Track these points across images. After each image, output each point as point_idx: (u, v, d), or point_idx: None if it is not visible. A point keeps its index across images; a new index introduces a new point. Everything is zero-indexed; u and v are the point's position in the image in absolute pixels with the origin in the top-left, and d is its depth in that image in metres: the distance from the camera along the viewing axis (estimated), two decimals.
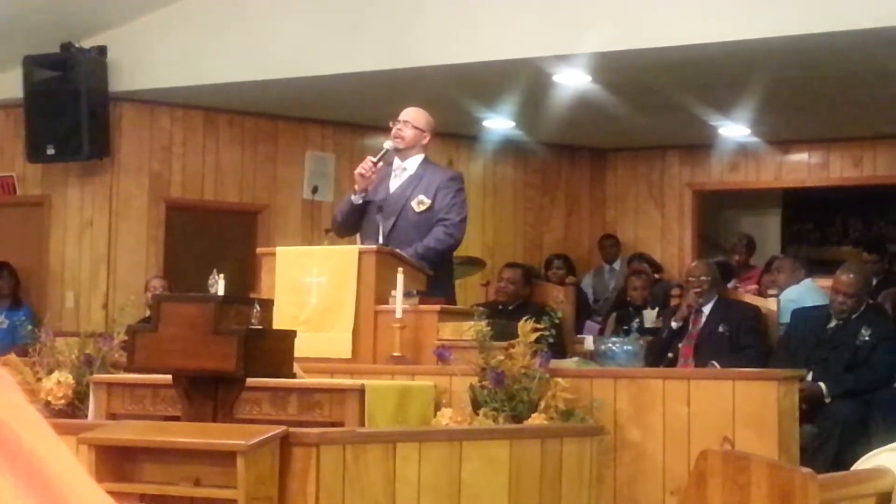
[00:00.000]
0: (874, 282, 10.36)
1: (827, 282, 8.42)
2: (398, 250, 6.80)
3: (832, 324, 7.75)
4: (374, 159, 7.13)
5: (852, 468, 4.13)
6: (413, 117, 7.23)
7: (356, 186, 7.17)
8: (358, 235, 7.20)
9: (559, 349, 7.21)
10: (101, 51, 10.91)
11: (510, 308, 8.42)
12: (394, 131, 7.20)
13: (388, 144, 7.19)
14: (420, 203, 7.11)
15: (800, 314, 8.03)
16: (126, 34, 10.86)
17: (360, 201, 7.15)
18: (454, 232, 7.09)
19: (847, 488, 3.69)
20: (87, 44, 10.90)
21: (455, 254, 7.53)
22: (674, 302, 9.50)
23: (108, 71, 10.94)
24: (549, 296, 7.64)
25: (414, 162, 7.23)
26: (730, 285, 9.84)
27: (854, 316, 7.70)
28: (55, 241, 11.54)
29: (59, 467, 0.86)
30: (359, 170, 7.15)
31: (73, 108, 10.84)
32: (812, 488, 3.52)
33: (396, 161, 7.22)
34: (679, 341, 7.97)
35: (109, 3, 10.77)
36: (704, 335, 7.92)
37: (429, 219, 7.10)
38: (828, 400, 7.33)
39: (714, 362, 7.55)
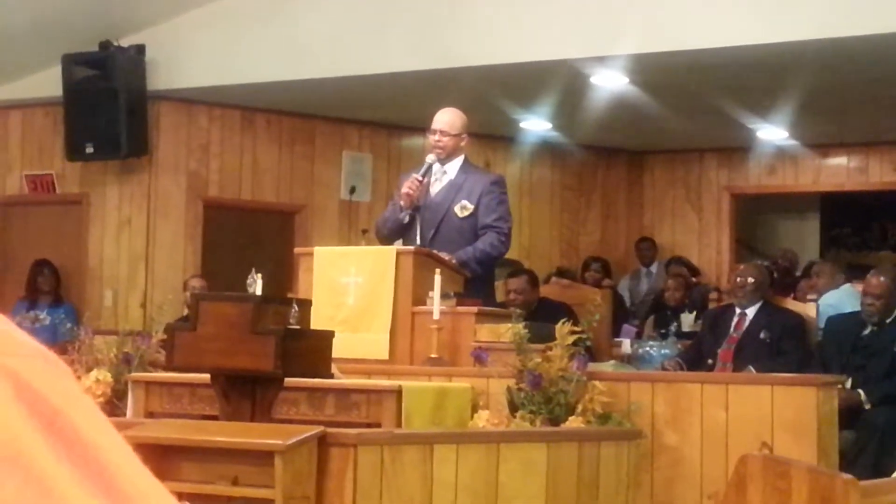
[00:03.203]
0: None
1: None
2: (444, 254, 6.80)
3: (867, 330, 7.70)
4: (420, 176, 7.12)
5: (893, 475, 4.10)
6: (449, 124, 7.19)
7: (402, 203, 7.13)
8: (400, 241, 7.19)
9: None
10: (140, 49, 10.96)
11: (525, 315, 8.36)
12: (433, 142, 7.18)
13: (430, 158, 7.18)
14: (463, 209, 7.11)
15: (835, 321, 7.98)
16: (164, 33, 10.90)
17: (408, 219, 7.14)
18: (506, 240, 7.14)
19: (889, 495, 3.67)
20: (125, 42, 10.95)
21: None
22: (711, 306, 9.46)
23: (147, 69, 10.99)
24: (586, 298, 7.61)
25: (454, 166, 7.22)
26: None
27: (889, 321, 7.65)
28: (94, 239, 11.59)
29: (115, 456, 0.86)
30: (405, 189, 7.12)
31: (111, 106, 10.89)
32: (854, 494, 3.50)
33: (436, 165, 7.21)
34: (718, 346, 7.92)
35: (148, 1, 10.81)
36: (746, 340, 7.88)
37: (472, 224, 7.10)
38: (867, 406, 7.28)
39: (751, 367, 7.51)
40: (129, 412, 6.16)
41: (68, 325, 6.96)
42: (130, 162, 11.27)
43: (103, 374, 6.40)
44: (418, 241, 7.00)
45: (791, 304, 8.33)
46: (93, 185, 11.62)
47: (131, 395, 6.20)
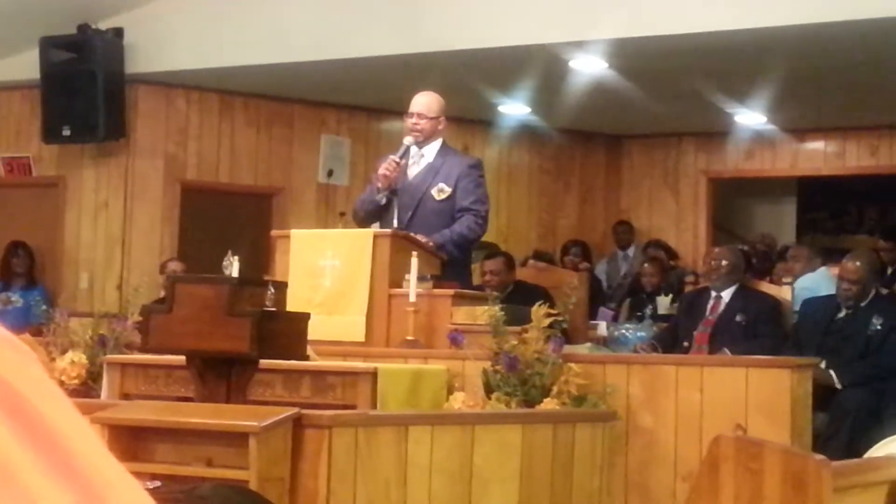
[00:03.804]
0: (889, 270, 10.34)
1: None
2: (421, 236, 6.81)
3: (842, 313, 7.73)
4: (397, 158, 7.12)
5: (865, 456, 4.13)
6: (426, 107, 7.19)
7: (379, 185, 7.13)
8: (377, 223, 7.19)
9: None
10: (118, 32, 10.92)
11: (500, 298, 8.37)
12: (410, 125, 7.18)
13: (407, 141, 7.18)
14: (440, 191, 7.11)
15: (810, 303, 8.01)
16: (142, 16, 10.87)
17: (385, 200, 7.14)
18: (483, 223, 7.14)
19: (860, 475, 3.69)
20: (103, 25, 10.91)
21: None
22: (687, 289, 9.48)
23: (125, 53, 10.96)
24: (563, 281, 7.62)
25: (432, 149, 7.22)
26: None
27: (864, 304, 7.68)
28: (70, 222, 11.57)
29: (79, 443, 0.86)
30: (382, 170, 7.12)
31: (89, 89, 10.86)
32: (825, 475, 3.52)
33: (413, 148, 7.21)
34: (694, 329, 7.95)
35: None
36: (722, 323, 7.90)
37: (449, 206, 7.10)
38: (838, 387, 7.32)
39: (726, 349, 7.54)
40: (104, 394, 6.16)
41: (43, 307, 6.94)
42: (108, 145, 11.24)
43: (78, 357, 6.39)
44: (395, 224, 7.01)
45: (767, 288, 8.36)
46: (70, 168, 11.58)
47: (106, 377, 6.19)
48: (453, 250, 6.97)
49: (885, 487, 3.55)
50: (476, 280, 8.18)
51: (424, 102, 7.22)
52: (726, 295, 8.00)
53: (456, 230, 7.03)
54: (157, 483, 4.31)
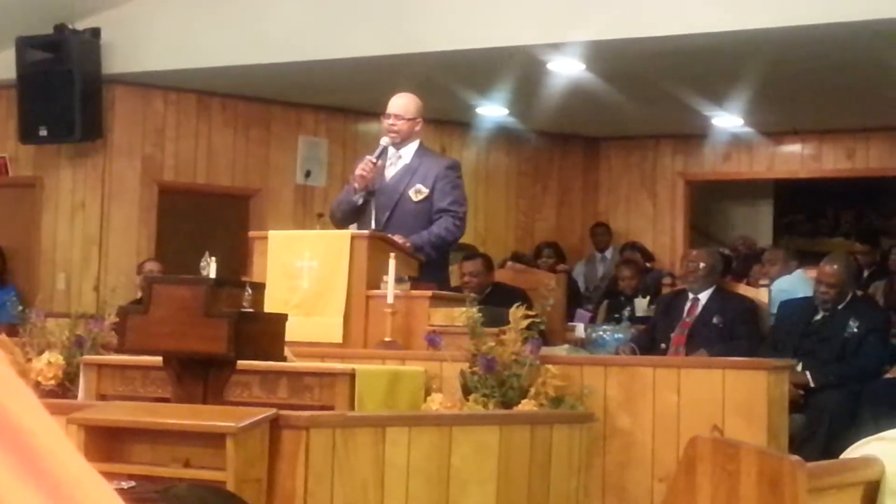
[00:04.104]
0: (865, 273, 10.39)
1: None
2: (398, 237, 6.80)
3: (819, 315, 7.76)
4: (374, 158, 7.11)
5: (840, 457, 4.14)
6: (403, 108, 7.20)
7: (356, 185, 7.13)
8: (355, 225, 7.19)
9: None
10: (95, 32, 10.89)
11: (479, 299, 8.37)
12: (387, 126, 7.18)
13: (384, 141, 7.18)
14: (417, 192, 7.11)
15: (787, 305, 8.05)
16: (120, 16, 10.84)
17: (361, 201, 7.13)
18: (461, 225, 7.14)
19: (835, 476, 3.70)
20: (80, 25, 10.88)
21: None
22: (665, 291, 9.50)
23: (102, 53, 10.93)
24: (541, 282, 7.63)
25: (409, 150, 7.22)
26: None
27: (841, 307, 7.72)
28: (47, 222, 11.53)
29: (47, 442, 0.85)
30: (358, 171, 7.12)
31: (65, 89, 10.82)
32: (800, 476, 3.53)
33: (391, 149, 7.21)
34: (672, 331, 7.97)
35: None
36: (699, 325, 7.92)
37: (426, 208, 7.10)
38: (812, 385, 7.35)
39: (703, 350, 7.56)
40: (80, 395, 6.14)
41: (19, 307, 6.91)
42: (85, 145, 11.20)
43: (55, 357, 6.36)
44: (373, 225, 7.01)
45: (744, 290, 8.39)
46: (46, 169, 11.54)
47: (83, 377, 6.17)
48: (431, 252, 6.98)
49: (860, 488, 3.56)
50: (455, 281, 8.19)
51: (402, 104, 7.22)
52: (703, 297, 8.02)
53: (434, 232, 7.03)
54: (132, 483, 4.30)
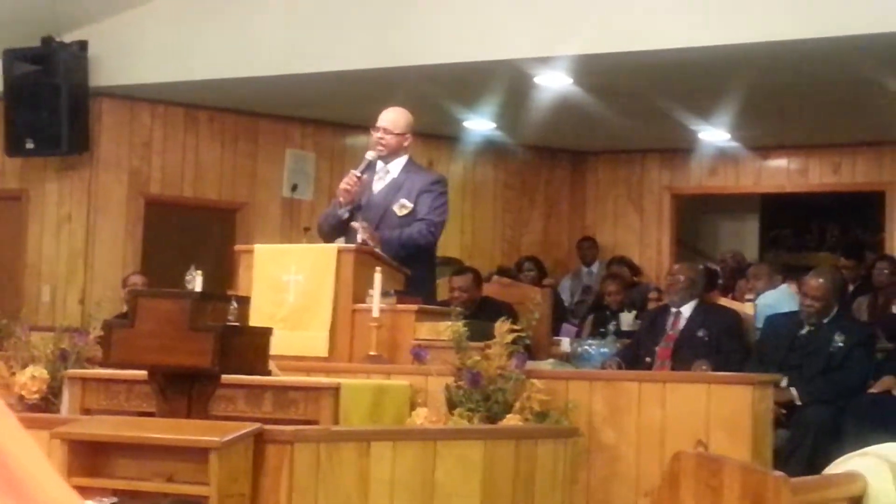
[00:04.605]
0: (851, 288, 10.39)
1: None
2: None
3: (805, 330, 7.76)
4: (358, 173, 7.11)
5: (824, 472, 4.14)
6: (392, 123, 7.19)
7: (341, 199, 7.13)
8: (342, 239, 7.17)
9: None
10: (82, 45, 10.88)
11: (467, 314, 8.38)
12: (374, 140, 7.18)
13: (370, 155, 7.17)
14: (402, 207, 7.10)
15: (773, 320, 8.05)
16: (107, 29, 10.83)
17: (347, 215, 7.13)
18: (435, 231, 7.12)
19: (819, 492, 3.70)
20: (68, 38, 10.88)
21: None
22: (651, 305, 9.51)
23: (89, 66, 10.92)
24: (527, 297, 7.63)
25: (397, 165, 7.22)
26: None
27: (826, 321, 7.72)
28: (33, 235, 11.50)
29: (25, 462, 0.85)
30: (343, 185, 7.12)
31: (52, 102, 10.82)
32: (784, 492, 3.53)
33: (380, 164, 7.20)
34: (657, 345, 7.96)
35: None
36: (684, 338, 7.91)
37: (410, 223, 7.09)
38: (798, 403, 7.35)
39: (702, 362, 7.48)
40: (64, 409, 6.12)
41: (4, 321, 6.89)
42: (71, 158, 11.19)
43: (39, 371, 6.35)
44: (359, 240, 6.99)
45: (729, 304, 8.39)
46: (33, 182, 11.53)
47: (67, 391, 6.15)
48: (399, 250, 6.93)
49: None
50: (443, 296, 8.18)
51: (391, 118, 7.22)
52: (686, 310, 8.02)
53: (406, 232, 7.02)
54: (114, 500, 4.29)
